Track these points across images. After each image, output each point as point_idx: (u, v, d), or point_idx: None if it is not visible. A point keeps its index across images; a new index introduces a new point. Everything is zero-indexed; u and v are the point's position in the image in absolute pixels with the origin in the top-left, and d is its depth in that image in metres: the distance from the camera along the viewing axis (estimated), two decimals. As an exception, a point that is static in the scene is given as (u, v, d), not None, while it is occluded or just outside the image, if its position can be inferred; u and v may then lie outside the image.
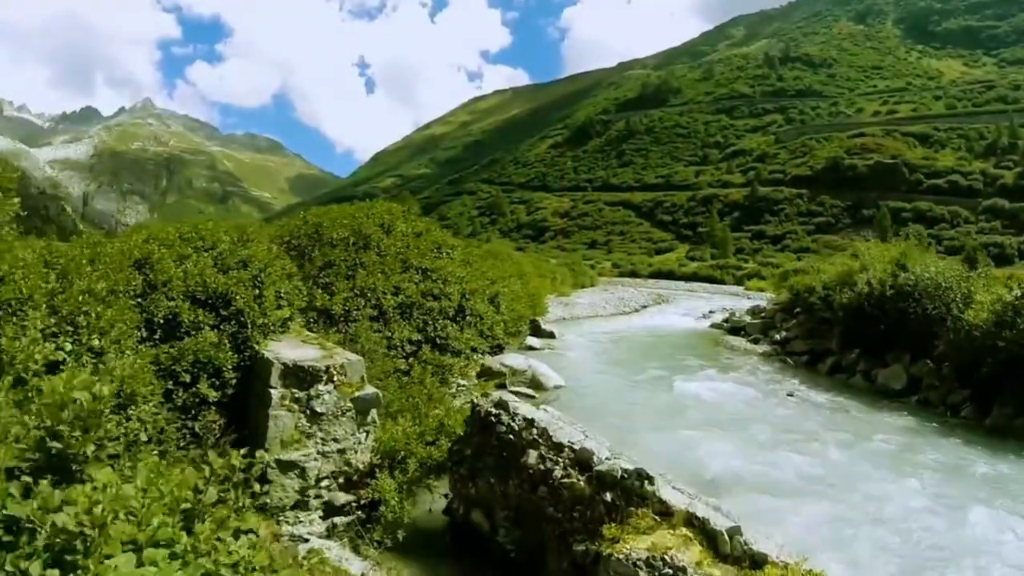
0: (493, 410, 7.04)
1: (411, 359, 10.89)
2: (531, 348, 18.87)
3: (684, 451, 9.52)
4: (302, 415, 6.98)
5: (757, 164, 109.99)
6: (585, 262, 75.46)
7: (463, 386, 12.19)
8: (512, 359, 14.72)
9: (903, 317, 14.95)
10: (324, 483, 7.09)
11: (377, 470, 7.39)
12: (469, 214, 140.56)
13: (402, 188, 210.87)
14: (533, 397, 12.82)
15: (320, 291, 10.46)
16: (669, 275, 72.74)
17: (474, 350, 13.53)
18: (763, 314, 22.93)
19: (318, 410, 7.04)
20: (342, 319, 10.44)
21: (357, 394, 7.35)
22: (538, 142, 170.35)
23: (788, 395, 13.83)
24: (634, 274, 75.21)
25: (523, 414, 6.80)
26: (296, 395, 6.95)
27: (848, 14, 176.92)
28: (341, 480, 7.21)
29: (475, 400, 7.79)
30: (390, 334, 10.83)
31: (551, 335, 21.20)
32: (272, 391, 6.82)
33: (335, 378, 7.25)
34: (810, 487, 8.39)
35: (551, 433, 6.33)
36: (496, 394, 7.99)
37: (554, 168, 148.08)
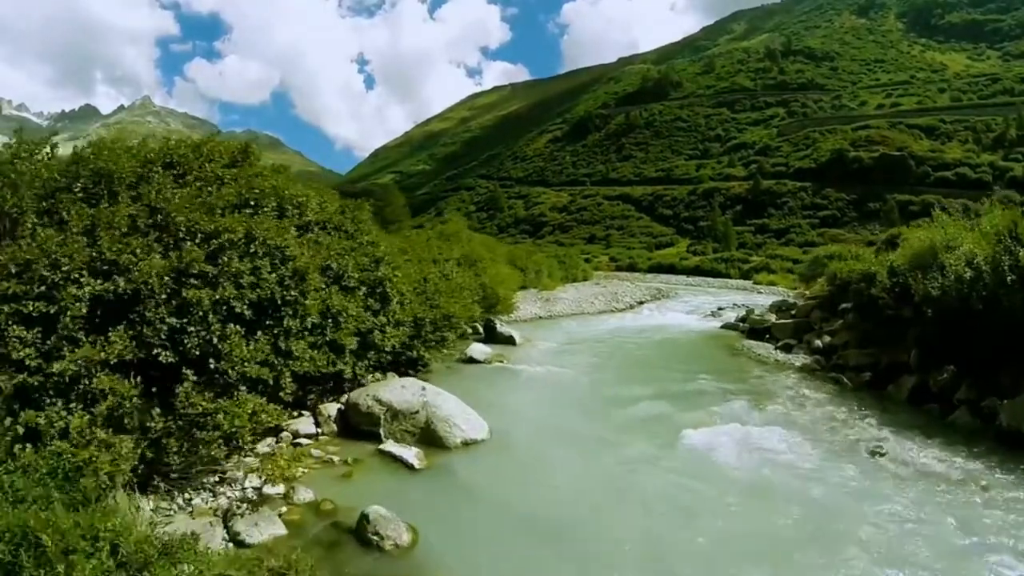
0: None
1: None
2: (470, 361, 13.21)
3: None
4: None
5: (759, 157, 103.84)
6: (581, 256, 70.03)
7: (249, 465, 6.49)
8: (397, 391, 8.79)
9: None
10: None
11: None
12: (467, 210, 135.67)
13: (401, 184, 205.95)
14: (412, 467, 7.19)
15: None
16: (670, 269, 66.89)
17: (306, 379, 7.87)
18: (793, 312, 17.16)
19: None
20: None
21: None
22: (536, 137, 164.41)
23: (873, 454, 8.09)
24: (632, 268, 69.52)
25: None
26: None
27: (850, 8, 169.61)
28: None
29: None
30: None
31: (510, 340, 15.55)
32: None
33: None
34: None
35: None
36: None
37: (553, 163, 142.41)
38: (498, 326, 16.41)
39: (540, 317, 22.38)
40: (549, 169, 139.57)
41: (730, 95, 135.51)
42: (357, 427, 8.46)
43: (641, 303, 30.34)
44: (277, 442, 8.25)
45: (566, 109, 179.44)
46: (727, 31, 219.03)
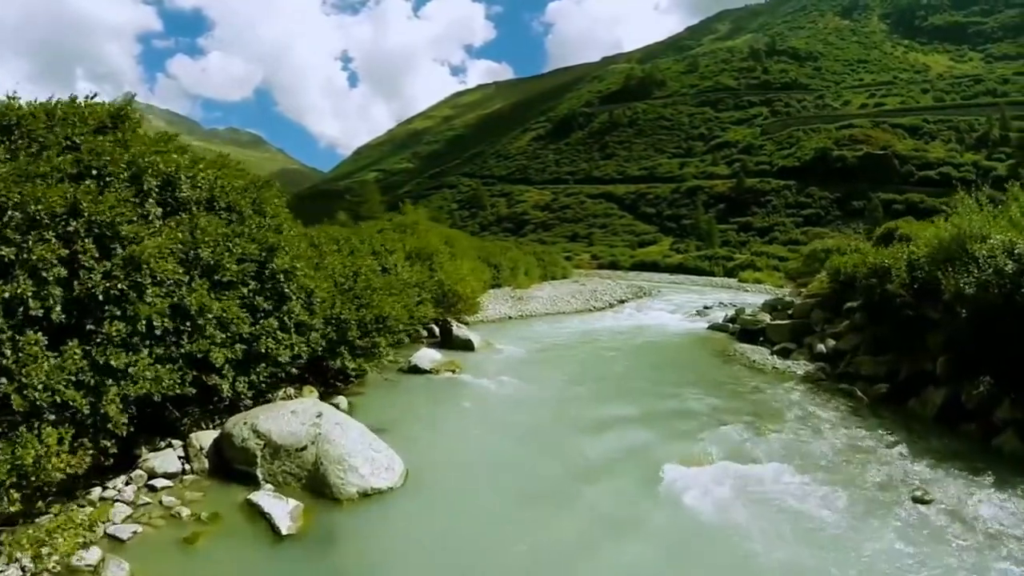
0: None
1: None
2: (415, 371, 11.09)
3: None
4: None
5: (743, 156, 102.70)
6: (563, 254, 68.05)
7: None
8: (283, 418, 6.49)
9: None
10: None
11: None
12: (449, 207, 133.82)
13: (384, 182, 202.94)
14: (279, 532, 5.08)
15: None
16: (653, 267, 65.16)
17: (180, 399, 5.79)
18: (790, 312, 15.13)
19: None
20: None
21: None
22: (520, 135, 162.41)
23: (917, 501, 6.07)
24: (615, 266, 67.69)
25: None
26: None
27: (834, 9, 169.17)
28: None
29: None
30: None
31: (467, 345, 13.44)
32: None
33: None
34: None
35: None
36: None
37: (535, 161, 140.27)
38: (455, 328, 14.28)
39: (510, 317, 20.29)
40: (532, 167, 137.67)
41: (714, 94, 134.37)
42: (231, 464, 6.29)
43: (622, 302, 28.35)
44: (127, 483, 6.11)
45: (550, 108, 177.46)
46: (711, 31, 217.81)
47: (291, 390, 8.71)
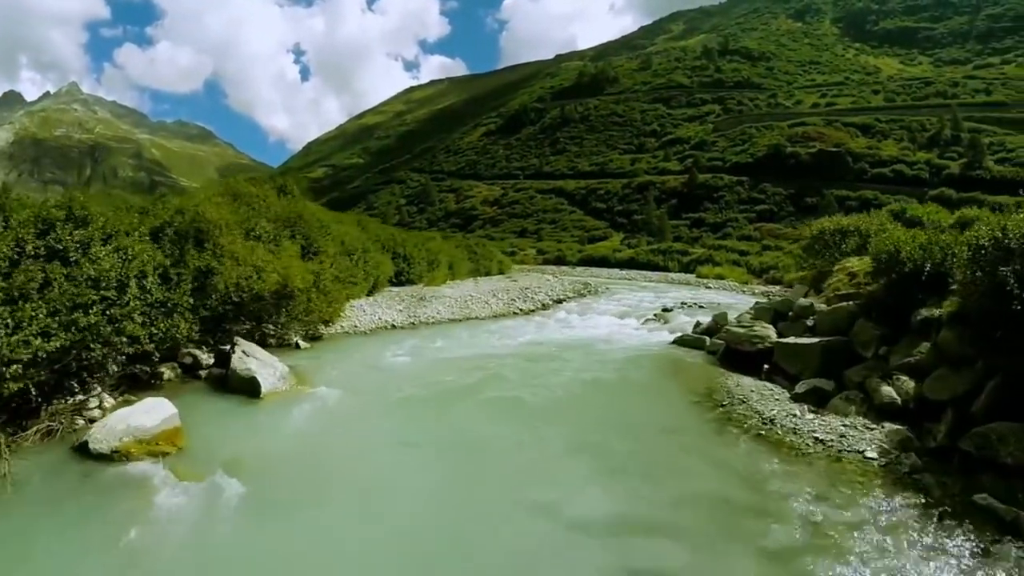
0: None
1: None
2: (83, 454, 4.74)
3: None
4: None
5: (695, 152, 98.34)
6: (508, 249, 62.09)
7: None
8: None
9: None
10: None
11: None
12: (397, 203, 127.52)
13: (334, 178, 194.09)
14: None
15: None
16: (602, 262, 59.39)
17: None
18: (810, 320, 9.09)
19: None
20: None
21: None
22: (471, 130, 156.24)
23: None
24: (561, 262, 61.91)
25: None
26: None
27: (787, 12, 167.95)
28: None
29: None
30: None
31: (250, 389, 7.14)
32: None
33: None
34: None
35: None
36: None
37: (486, 156, 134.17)
38: (237, 358, 7.91)
39: (393, 326, 14.02)
40: (482, 163, 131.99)
41: (666, 91, 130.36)
42: None
43: (559, 301, 22.26)
44: None
45: (501, 103, 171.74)
46: (665, 31, 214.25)
47: None
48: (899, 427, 6.14)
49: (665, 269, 51.51)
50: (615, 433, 6.79)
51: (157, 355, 7.49)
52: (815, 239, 12.56)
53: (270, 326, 10.71)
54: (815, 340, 8.11)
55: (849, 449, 5.86)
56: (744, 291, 30.56)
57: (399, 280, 23.98)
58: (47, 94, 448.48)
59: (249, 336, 9.54)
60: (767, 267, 40.00)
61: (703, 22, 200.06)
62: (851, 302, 8.29)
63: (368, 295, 18.67)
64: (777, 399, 7.40)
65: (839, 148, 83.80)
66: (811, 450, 5.95)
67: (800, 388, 7.42)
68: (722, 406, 7.36)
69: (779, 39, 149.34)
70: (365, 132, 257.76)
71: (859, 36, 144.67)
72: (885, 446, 5.84)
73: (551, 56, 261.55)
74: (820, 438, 6.12)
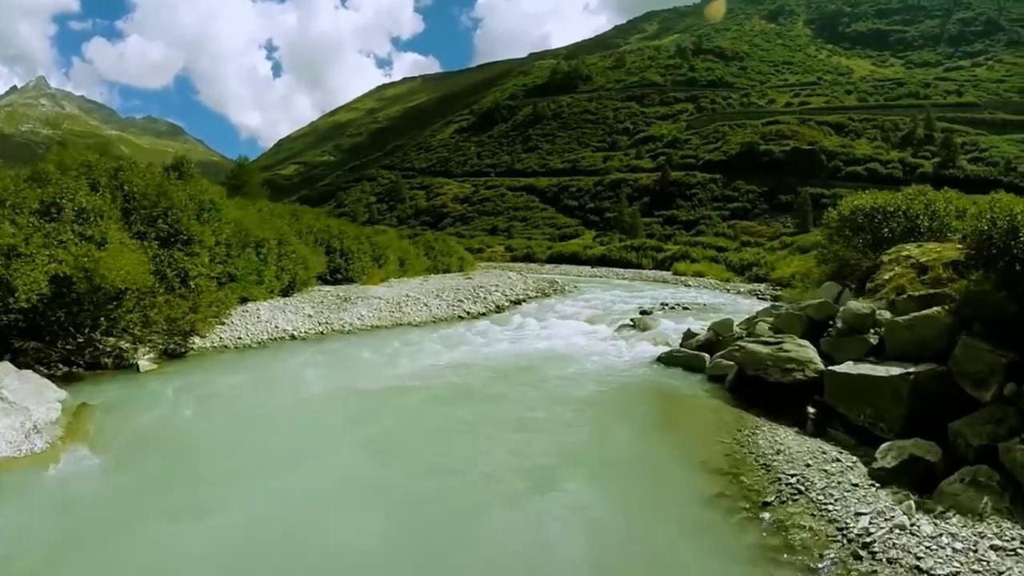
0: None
1: None
2: None
3: None
4: None
5: (668, 150, 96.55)
6: (477, 246, 58.90)
7: None
8: None
9: None
10: None
11: None
12: (367, 200, 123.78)
13: (305, 175, 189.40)
14: None
15: None
16: (572, 259, 56.48)
17: None
18: (873, 336, 5.92)
19: None
20: None
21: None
22: (442, 128, 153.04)
23: None
24: (530, 259, 58.85)
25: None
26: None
27: (760, 13, 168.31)
28: None
29: None
30: None
31: None
32: None
33: None
34: None
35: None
36: None
37: (457, 153, 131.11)
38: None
39: (293, 336, 10.84)
40: (453, 160, 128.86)
41: (639, 89, 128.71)
42: None
43: (517, 303, 19.09)
44: None
45: (474, 101, 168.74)
46: (639, 30, 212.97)
47: None
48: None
49: (638, 266, 48.78)
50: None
51: None
52: (844, 221, 9.58)
53: (108, 338, 7.53)
54: (895, 371, 5.07)
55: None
56: (728, 289, 27.70)
57: (335, 278, 20.80)
58: (14, 88, 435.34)
59: (78, 352, 6.40)
60: (748, 263, 37.44)
61: (677, 22, 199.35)
62: (939, 307, 5.28)
63: (284, 295, 15.46)
64: (852, 480, 4.31)
65: (813, 146, 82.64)
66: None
67: (886, 460, 4.38)
68: (765, 506, 4.23)
69: (752, 39, 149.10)
70: (337, 129, 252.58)
71: (832, 38, 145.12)
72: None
73: (525, 54, 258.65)
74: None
